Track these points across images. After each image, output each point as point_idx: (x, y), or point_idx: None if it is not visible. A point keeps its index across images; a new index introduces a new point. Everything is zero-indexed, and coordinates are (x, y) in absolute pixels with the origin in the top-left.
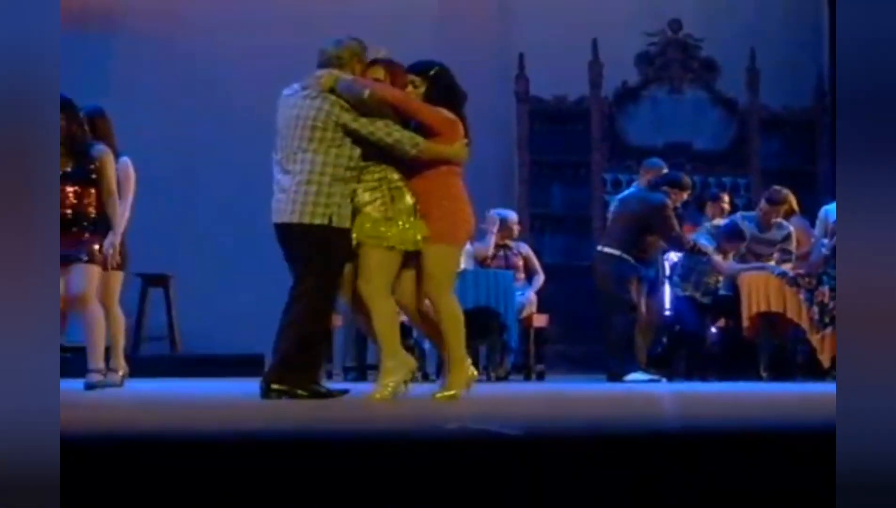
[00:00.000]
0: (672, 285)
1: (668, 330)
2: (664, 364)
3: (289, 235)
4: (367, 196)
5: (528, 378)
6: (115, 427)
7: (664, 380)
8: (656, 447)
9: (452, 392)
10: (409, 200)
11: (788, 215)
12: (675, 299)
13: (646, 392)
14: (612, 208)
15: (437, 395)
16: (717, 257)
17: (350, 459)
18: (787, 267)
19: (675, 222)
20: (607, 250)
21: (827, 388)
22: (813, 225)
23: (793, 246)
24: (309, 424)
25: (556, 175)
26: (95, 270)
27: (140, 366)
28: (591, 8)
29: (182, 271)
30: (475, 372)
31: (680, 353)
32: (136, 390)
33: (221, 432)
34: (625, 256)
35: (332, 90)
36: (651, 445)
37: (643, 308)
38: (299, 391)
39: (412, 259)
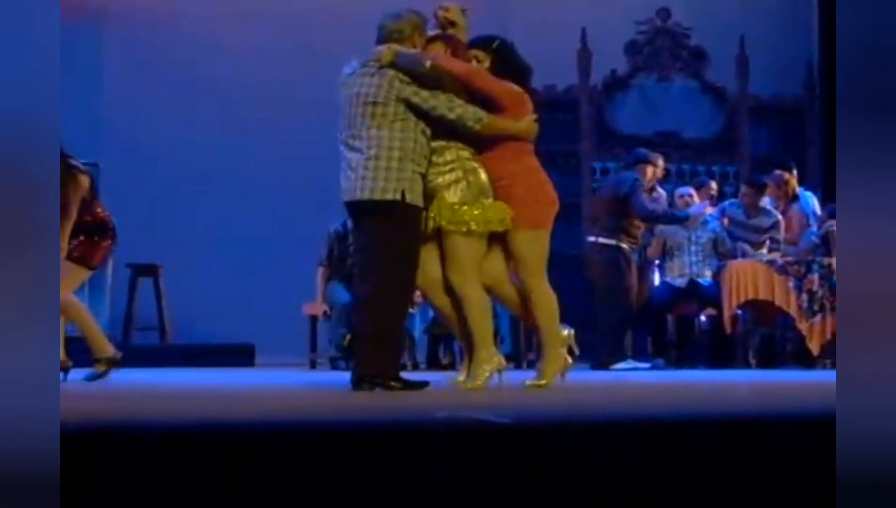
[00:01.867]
0: (661, 272)
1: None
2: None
3: (360, 212)
4: (441, 180)
5: (519, 367)
6: (107, 418)
7: (649, 367)
8: (641, 434)
9: (543, 382)
10: (483, 178)
11: (791, 199)
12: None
13: (632, 381)
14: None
15: (528, 383)
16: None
17: (341, 448)
18: (775, 256)
19: (644, 196)
20: (602, 240)
21: (816, 376)
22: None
23: (780, 235)
24: (297, 414)
25: (545, 164)
26: (68, 266)
27: (130, 356)
28: None
29: (171, 260)
30: (569, 359)
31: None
32: (126, 380)
33: (211, 421)
34: (621, 244)
35: (391, 64)
36: (635, 433)
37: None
38: (392, 383)
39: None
